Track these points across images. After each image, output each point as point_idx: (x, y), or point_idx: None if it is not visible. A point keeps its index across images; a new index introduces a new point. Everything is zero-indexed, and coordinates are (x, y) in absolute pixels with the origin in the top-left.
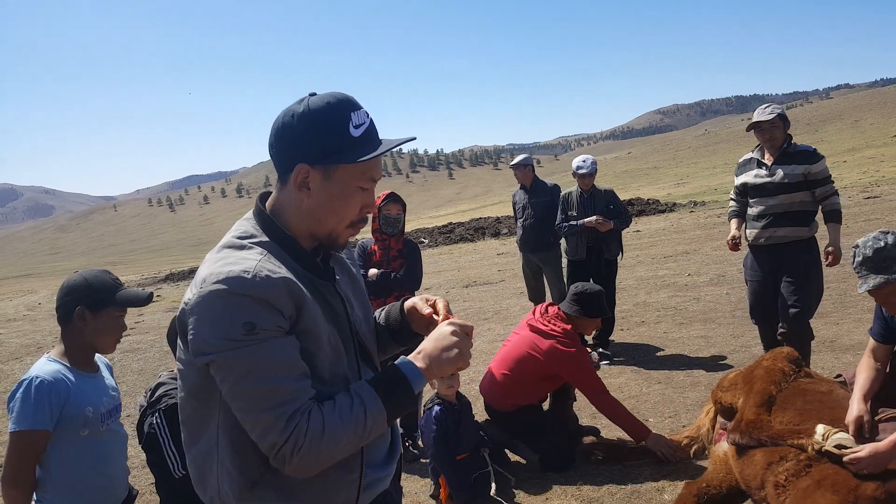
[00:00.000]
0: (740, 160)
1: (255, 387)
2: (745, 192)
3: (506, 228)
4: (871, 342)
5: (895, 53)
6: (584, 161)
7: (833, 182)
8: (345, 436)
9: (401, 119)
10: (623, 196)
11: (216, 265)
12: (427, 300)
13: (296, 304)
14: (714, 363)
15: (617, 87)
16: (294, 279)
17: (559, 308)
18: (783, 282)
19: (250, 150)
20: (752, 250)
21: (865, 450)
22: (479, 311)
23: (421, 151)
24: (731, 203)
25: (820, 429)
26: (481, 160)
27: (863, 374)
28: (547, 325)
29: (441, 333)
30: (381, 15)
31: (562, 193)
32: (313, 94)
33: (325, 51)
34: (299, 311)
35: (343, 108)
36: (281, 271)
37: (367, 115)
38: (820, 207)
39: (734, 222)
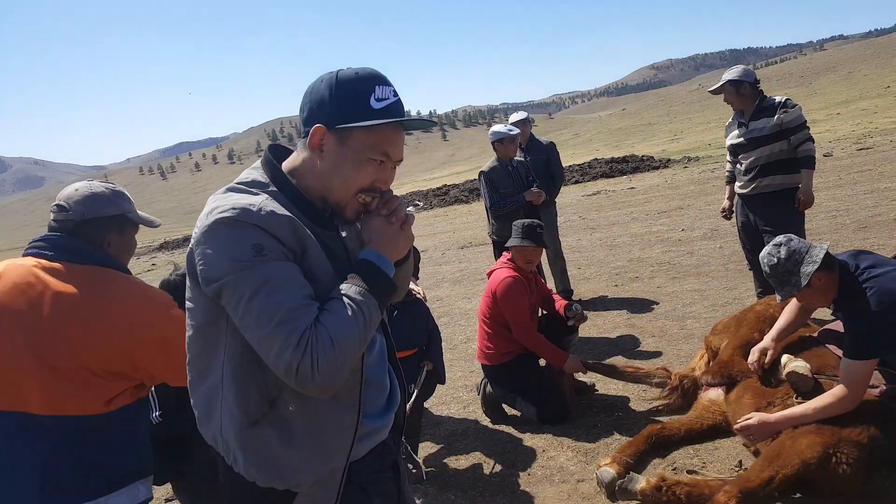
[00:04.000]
0: (727, 124)
1: (267, 303)
2: (734, 151)
3: None
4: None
5: (890, 3)
6: (506, 126)
7: (808, 129)
8: (351, 337)
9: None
10: (617, 153)
11: (221, 199)
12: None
13: (300, 243)
14: (707, 316)
15: (610, 43)
16: (297, 219)
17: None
18: (765, 231)
19: (241, 116)
20: (743, 199)
21: (754, 418)
22: (474, 271)
23: (414, 113)
24: (727, 164)
25: (783, 359)
26: (475, 120)
27: (785, 315)
28: (496, 265)
29: (371, 224)
30: None
31: (484, 169)
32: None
33: (314, 9)
34: (303, 251)
35: (369, 80)
36: (285, 212)
37: (395, 94)
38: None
39: (727, 189)
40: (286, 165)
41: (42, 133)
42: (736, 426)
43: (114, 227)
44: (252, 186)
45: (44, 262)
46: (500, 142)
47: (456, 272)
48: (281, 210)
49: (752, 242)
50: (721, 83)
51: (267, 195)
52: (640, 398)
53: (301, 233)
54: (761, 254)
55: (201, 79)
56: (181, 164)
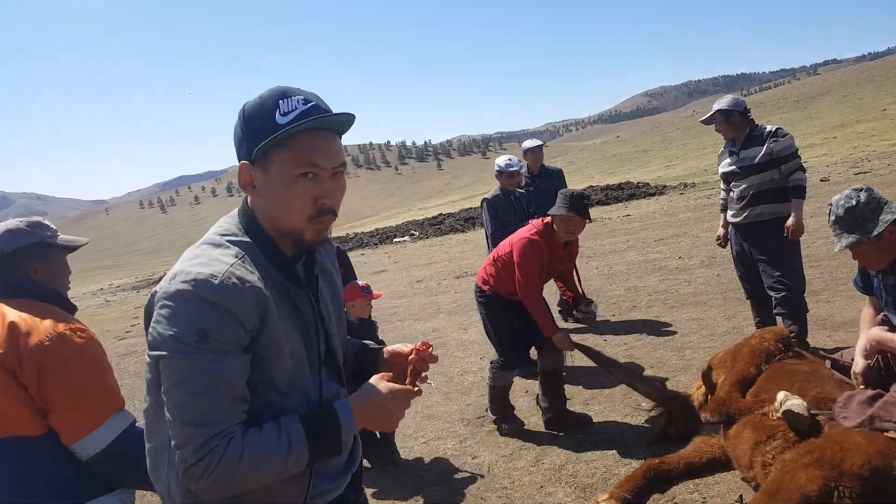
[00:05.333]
0: (719, 152)
1: (187, 396)
2: (727, 180)
3: None
4: (868, 299)
5: (882, 26)
6: (510, 160)
7: (798, 158)
8: (263, 468)
9: (386, 111)
10: (613, 180)
11: (189, 262)
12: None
13: (260, 315)
14: (706, 346)
15: (604, 70)
16: (262, 287)
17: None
18: (760, 260)
19: None
20: (736, 228)
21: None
22: (470, 301)
23: (409, 143)
24: (721, 192)
25: (780, 396)
26: (469, 150)
27: (864, 326)
28: (535, 220)
29: (387, 392)
30: (363, 7)
31: (488, 196)
32: None
33: (311, 45)
34: (263, 322)
35: (272, 99)
36: (252, 278)
37: (304, 102)
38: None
39: (722, 217)
40: (249, 208)
41: (44, 168)
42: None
43: (35, 254)
44: (225, 236)
45: None
46: (501, 174)
47: (451, 303)
48: (245, 279)
49: (747, 272)
50: (711, 113)
51: (238, 251)
52: (640, 433)
53: (263, 303)
54: (836, 197)
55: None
56: (181, 198)
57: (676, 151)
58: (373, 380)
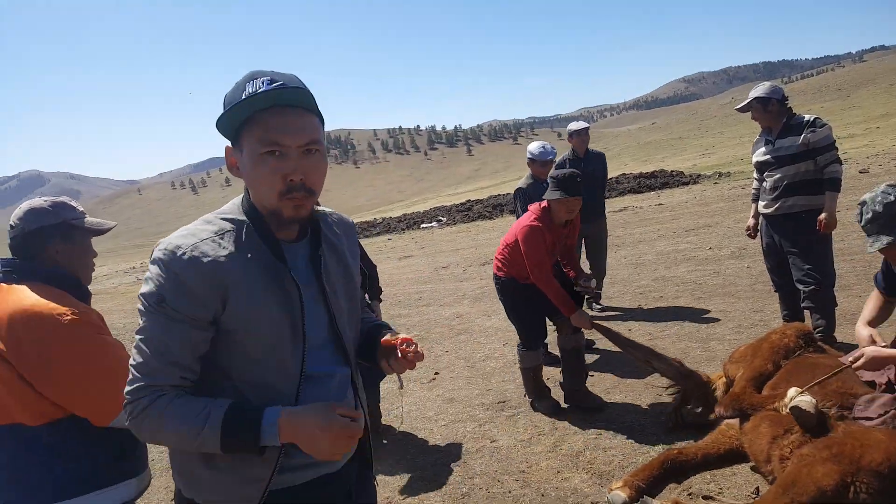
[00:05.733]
0: (754, 141)
1: (138, 345)
2: (760, 169)
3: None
4: (874, 291)
5: None
6: (544, 147)
7: (836, 150)
8: (172, 434)
9: (417, 95)
10: (646, 168)
11: (176, 233)
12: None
13: (218, 288)
14: (732, 338)
15: (641, 55)
16: (226, 262)
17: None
18: (790, 253)
19: None
20: (767, 220)
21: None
22: (494, 289)
23: (439, 128)
24: (754, 182)
25: (791, 392)
26: (500, 135)
27: (868, 305)
28: (532, 206)
29: (323, 418)
30: None
31: (521, 185)
32: None
33: (338, 25)
34: (226, 296)
35: (242, 82)
36: (219, 253)
37: (269, 83)
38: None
39: (753, 207)
40: None
41: (79, 148)
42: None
43: (56, 235)
44: (221, 214)
45: (4, 285)
46: (534, 162)
47: (476, 289)
48: (213, 252)
49: (776, 264)
50: (748, 101)
51: (222, 228)
52: (658, 424)
53: (222, 278)
54: (869, 195)
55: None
56: (212, 179)
57: (713, 139)
58: (322, 405)
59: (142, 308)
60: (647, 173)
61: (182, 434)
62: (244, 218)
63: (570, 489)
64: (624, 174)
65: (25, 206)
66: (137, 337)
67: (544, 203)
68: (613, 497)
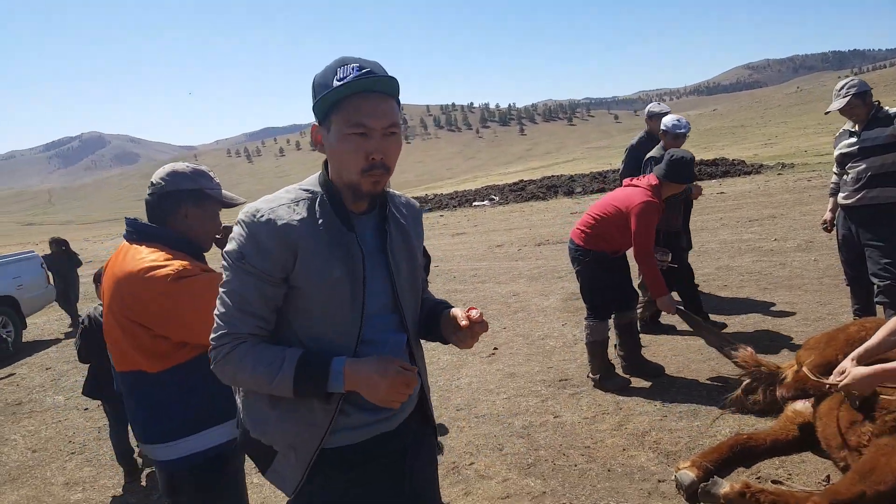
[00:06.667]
0: (837, 133)
1: (222, 297)
2: (843, 162)
3: (579, 187)
4: None
5: None
6: (679, 121)
7: None
8: (250, 378)
9: (471, 71)
10: (707, 156)
11: (263, 198)
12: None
13: (290, 250)
14: (798, 330)
15: (703, 39)
16: (298, 226)
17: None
18: (868, 245)
19: None
20: (846, 211)
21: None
22: (552, 269)
23: (492, 106)
24: (833, 176)
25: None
26: (555, 115)
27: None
28: (638, 181)
29: (382, 368)
30: None
31: (654, 156)
32: None
33: (394, 2)
34: (296, 257)
35: (332, 67)
36: (292, 218)
37: (358, 69)
38: None
39: (831, 201)
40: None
41: (138, 112)
42: (837, 386)
43: (190, 199)
44: (301, 185)
45: (125, 243)
46: (667, 134)
47: (533, 269)
48: (287, 217)
49: (852, 256)
50: (845, 101)
51: (297, 196)
52: (724, 407)
53: (293, 240)
54: None
55: (288, 67)
56: (266, 149)
57: (776, 129)
58: (381, 356)
59: (225, 264)
60: (707, 161)
61: (259, 377)
62: (319, 189)
63: (637, 466)
64: None
65: (169, 167)
66: (221, 290)
67: (653, 179)
68: (681, 476)
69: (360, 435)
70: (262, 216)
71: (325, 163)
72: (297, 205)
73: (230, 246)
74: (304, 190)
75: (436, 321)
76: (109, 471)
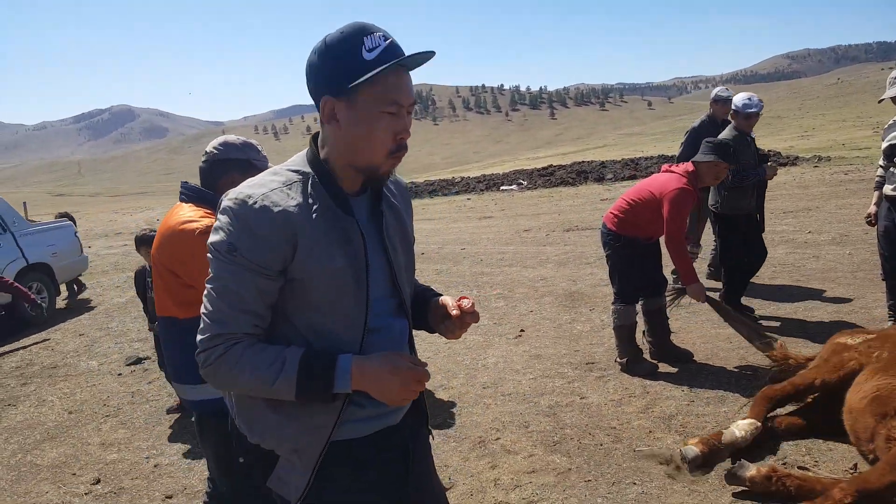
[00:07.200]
0: (886, 125)
1: (211, 293)
2: (891, 154)
3: (610, 174)
4: None
5: None
6: (750, 99)
7: None
8: (247, 381)
9: (502, 53)
10: None
11: (245, 184)
12: (457, 303)
13: (289, 238)
14: (830, 322)
15: (742, 26)
16: (296, 213)
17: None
18: None
19: None
20: (890, 202)
21: None
22: (580, 255)
23: (523, 88)
24: (879, 169)
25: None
26: (587, 100)
27: None
28: (676, 167)
29: (391, 364)
30: None
31: (722, 136)
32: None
33: None
34: (296, 245)
35: (355, 34)
36: (288, 203)
37: (384, 38)
38: None
39: (875, 195)
40: (321, 147)
41: (167, 87)
42: None
43: (237, 168)
44: (287, 166)
45: (179, 202)
46: (738, 114)
47: (561, 254)
48: (283, 202)
49: (892, 250)
50: None
51: (289, 178)
52: (751, 395)
53: (293, 227)
54: None
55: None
56: (293, 126)
57: (813, 121)
58: (389, 353)
59: (212, 257)
60: None
61: (258, 380)
62: (308, 170)
63: (662, 449)
64: None
65: (222, 138)
66: (208, 286)
67: (690, 166)
68: (687, 450)
69: (366, 428)
70: (254, 203)
71: (315, 139)
72: (290, 189)
73: (216, 237)
74: (293, 171)
75: (423, 308)
76: (143, 433)
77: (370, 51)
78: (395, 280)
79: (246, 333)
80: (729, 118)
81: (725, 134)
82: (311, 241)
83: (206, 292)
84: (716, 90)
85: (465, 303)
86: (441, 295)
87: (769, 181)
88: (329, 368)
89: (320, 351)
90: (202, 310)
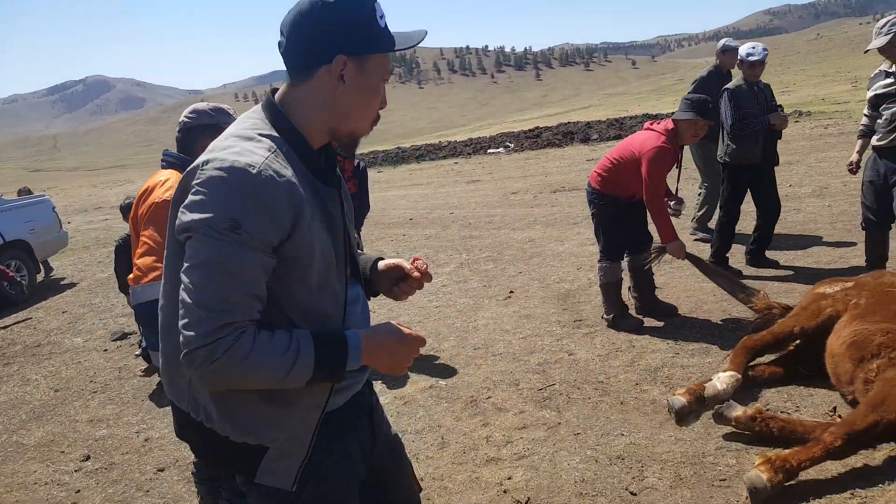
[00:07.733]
0: (871, 75)
1: (206, 279)
2: (877, 104)
3: (596, 134)
4: None
5: None
6: (753, 48)
7: None
8: (263, 372)
9: (488, 13)
10: None
11: (223, 152)
12: (413, 265)
13: (294, 211)
14: (810, 272)
15: None
16: (297, 183)
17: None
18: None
19: None
20: (878, 152)
21: None
22: (567, 215)
23: (508, 49)
24: (863, 119)
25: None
26: (572, 60)
27: None
28: (656, 125)
29: (398, 334)
30: None
31: (729, 86)
32: None
33: None
34: (296, 220)
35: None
36: (287, 173)
37: (382, 13)
38: None
39: (858, 143)
40: (279, 102)
41: (144, 56)
42: None
43: (208, 134)
44: (253, 130)
45: (161, 170)
46: (742, 63)
47: (548, 215)
48: (282, 173)
49: (875, 200)
50: (887, 39)
51: (271, 144)
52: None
53: (297, 199)
54: None
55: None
56: None
57: (794, 77)
58: (387, 323)
59: (201, 235)
60: None
61: (273, 370)
62: (276, 133)
63: (649, 400)
64: None
65: (192, 106)
66: (198, 271)
67: (670, 124)
68: (673, 400)
69: (343, 397)
70: (260, 171)
71: (269, 101)
72: (276, 155)
73: (208, 213)
74: (265, 135)
75: (368, 278)
76: (132, 408)
77: (381, 17)
78: (349, 245)
79: (251, 320)
80: (737, 68)
81: (731, 85)
82: (308, 213)
83: (193, 278)
84: (723, 40)
85: (420, 264)
86: (380, 258)
87: (782, 131)
88: (341, 346)
89: (325, 330)
90: (188, 299)
